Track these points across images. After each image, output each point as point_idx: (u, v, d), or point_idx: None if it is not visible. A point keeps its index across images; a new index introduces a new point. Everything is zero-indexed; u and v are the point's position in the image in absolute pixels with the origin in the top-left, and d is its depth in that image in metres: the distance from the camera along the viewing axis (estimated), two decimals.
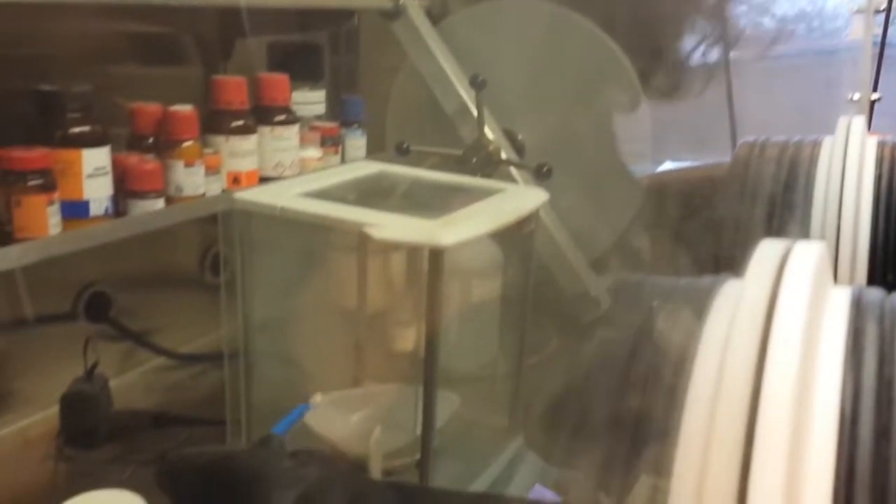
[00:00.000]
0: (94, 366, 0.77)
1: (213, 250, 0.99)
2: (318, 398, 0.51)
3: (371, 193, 0.71)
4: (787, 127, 0.88)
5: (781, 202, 0.75)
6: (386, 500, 0.38)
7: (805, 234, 0.70)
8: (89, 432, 0.76)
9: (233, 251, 0.66)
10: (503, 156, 0.91)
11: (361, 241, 0.70)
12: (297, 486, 0.37)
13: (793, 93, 1.42)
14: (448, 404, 0.70)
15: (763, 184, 0.78)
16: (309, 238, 0.70)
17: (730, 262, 0.33)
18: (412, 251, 0.75)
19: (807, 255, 0.31)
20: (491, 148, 0.91)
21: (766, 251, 0.31)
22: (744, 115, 1.23)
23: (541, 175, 0.85)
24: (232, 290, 0.68)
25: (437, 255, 0.58)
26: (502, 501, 0.45)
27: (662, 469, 0.26)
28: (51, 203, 0.65)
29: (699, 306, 0.31)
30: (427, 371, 0.61)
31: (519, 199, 0.68)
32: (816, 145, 0.77)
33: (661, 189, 0.87)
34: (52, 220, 0.65)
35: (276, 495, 0.37)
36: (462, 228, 0.58)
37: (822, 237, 0.66)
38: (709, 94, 1.25)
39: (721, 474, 0.24)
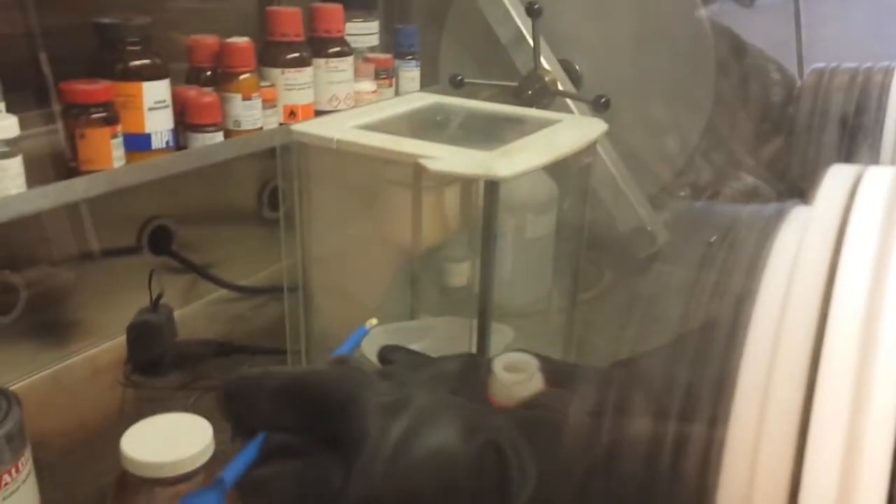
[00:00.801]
0: (160, 297, 0.80)
1: (270, 185, 1.00)
2: (373, 322, 0.48)
3: (426, 125, 0.71)
4: (858, 54, 0.85)
5: (851, 129, 0.73)
6: (507, 429, 0.30)
7: (875, 161, 0.68)
8: (155, 360, 0.79)
9: (290, 185, 0.67)
10: (560, 87, 0.89)
11: (417, 174, 0.69)
12: (405, 412, 0.30)
13: (864, 19, 1.36)
14: (502, 337, 0.70)
15: (832, 111, 0.75)
16: (365, 171, 0.70)
17: (798, 190, 0.32)
18: (467, 183, 0.74)
19: (880, 179, 0.29)
20: (547, 79, 0.89)
21: (837, 175, 0.30)
22: (813, 43, 1.18)
23: (599, 107, 0.83)
24: (290, 224, 0.69)
25: (492, 187, 0.57)
26: None
27: (723, 394, 0.26)
28: (114, 136, 0.66)
29: (765, 233, 0.30)
30: (482, 303, 0.61)
31: (577, 129, 0.66)
32: (888, 72, 0.74)
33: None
34: (116, 153, 0.66)
35: (378, 420, 0.30)
36: (518, 160, 0.58)
37: (893, 164, 0.64)
38: (776, 22, 1.21)
39: (785, 397, 0.24)
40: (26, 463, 0.52)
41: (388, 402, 0.31)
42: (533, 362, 0.41)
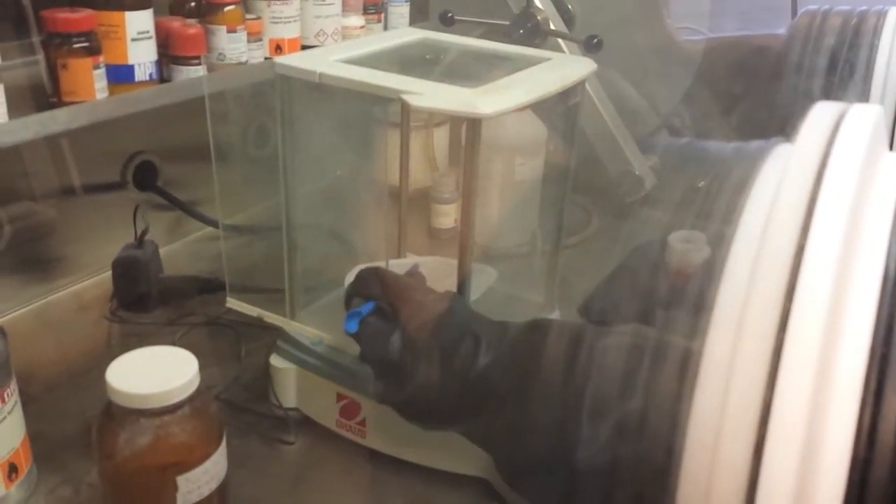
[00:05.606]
0: (145, 232, 0.79)
1: (256, 122, 0.98)
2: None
3: (413, 62, 0.70)
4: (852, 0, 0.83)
5: (841, 71, 0.72)
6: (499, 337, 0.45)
7: (864, 102, 0.67)
8: (141, 296, 0.79)
9: (274, 122, 0.65)
10: (551, 26, 0.88)
11: (404, 112, 0.69)
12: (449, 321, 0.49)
13: None
14: (484, 277, 0.70)
15: (823, 52, 0.75)
16: (352, 108, 0.69)
17: (785, 132, 0.32)
18: (456, 124, 0.74)
19: (863, 116, 0.29)
20: (539, 18, 0.88)
21: (821, 112, 0.30)
22: None
23: (591, 47, 0.82)
24: (274, 162, 0.68)
25: (475, 124, 0.57)
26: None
27: (700, 325, 0.26)
28: (97, 66, 0.65)
29: (748, 171, 0.30)
30: (463, 242, 0.61)
31: (565, 68, 0.65)
32: (882, 15, 0.73)
33: (714, 58, 0.83)
34: (99, 84, 0.65)
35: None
36: (503, 97, 0.57)
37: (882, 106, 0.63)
38: None
39: (758, 332, 0.24)
40: (12, 395, 0.52)
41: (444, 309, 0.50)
42: (702, 237, 0.53)
